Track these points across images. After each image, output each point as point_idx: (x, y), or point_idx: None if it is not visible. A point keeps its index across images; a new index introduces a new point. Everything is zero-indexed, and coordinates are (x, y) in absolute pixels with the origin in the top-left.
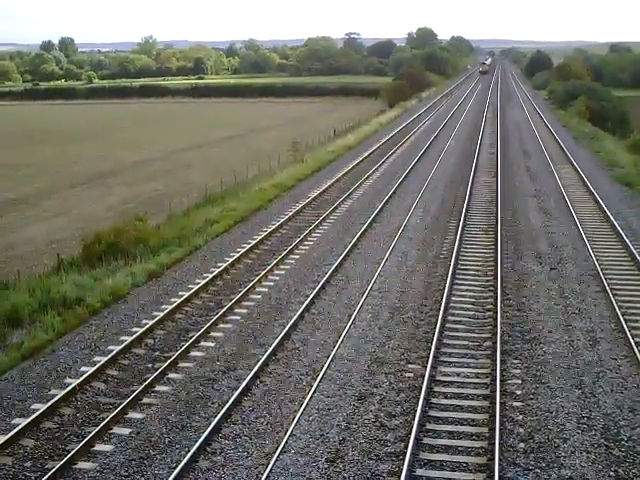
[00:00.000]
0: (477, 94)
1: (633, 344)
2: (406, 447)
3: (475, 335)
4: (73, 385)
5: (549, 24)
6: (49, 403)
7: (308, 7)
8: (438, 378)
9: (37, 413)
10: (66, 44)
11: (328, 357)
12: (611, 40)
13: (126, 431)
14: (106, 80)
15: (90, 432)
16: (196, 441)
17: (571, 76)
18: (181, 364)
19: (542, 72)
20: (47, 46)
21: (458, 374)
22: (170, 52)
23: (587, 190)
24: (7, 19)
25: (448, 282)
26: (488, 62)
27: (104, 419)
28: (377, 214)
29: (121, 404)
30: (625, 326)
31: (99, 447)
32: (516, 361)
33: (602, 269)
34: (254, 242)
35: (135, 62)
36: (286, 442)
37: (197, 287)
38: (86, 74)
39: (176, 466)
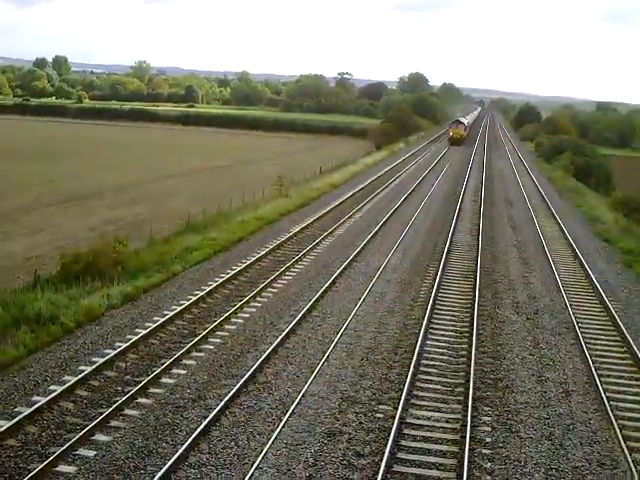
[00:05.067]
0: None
1: (604, 398)
2: None
3: (448, 380)
4: (40, 403)
5: (539, 78)
6: (14, 420)
7: (302, 44)
8: (408, 420)
9: (0, 430)
10: (60, 62)
11: (299, 392)
12: (598, 99)
13: (91, 453)
14: (96, 101)
15: (54, 452)
16: (161, 468)
17: (558, 131)
18: (151, 389)
19: (530, 124)
20: (41, 63)
21: (429, 418)
22: (162, 78)
23: (567, 243)
24: (9, 35)
25: (424, 325)
26: (467, 121)
27: (69, 440)
28: (357, 253)
29: (88, 425)
30: (597, 380)
31: (62, 468)
32: (487, 408)
33: (577, 322)
34: (233, 272)
35: (127, 85)
36: (252, 475)
37: (172, 313)
38: (77, 93)
39: None
